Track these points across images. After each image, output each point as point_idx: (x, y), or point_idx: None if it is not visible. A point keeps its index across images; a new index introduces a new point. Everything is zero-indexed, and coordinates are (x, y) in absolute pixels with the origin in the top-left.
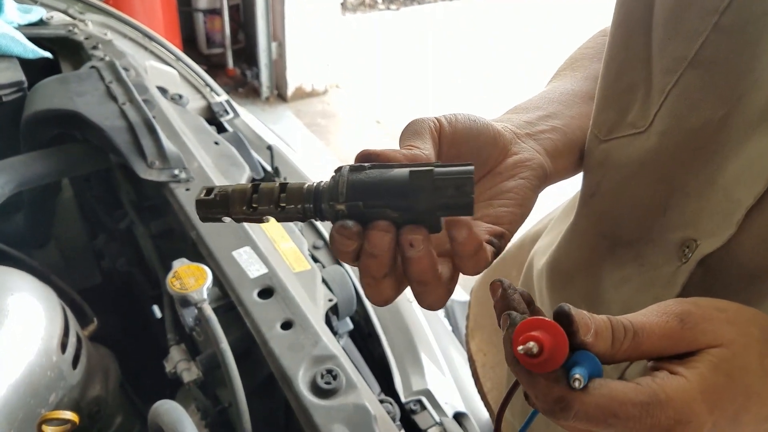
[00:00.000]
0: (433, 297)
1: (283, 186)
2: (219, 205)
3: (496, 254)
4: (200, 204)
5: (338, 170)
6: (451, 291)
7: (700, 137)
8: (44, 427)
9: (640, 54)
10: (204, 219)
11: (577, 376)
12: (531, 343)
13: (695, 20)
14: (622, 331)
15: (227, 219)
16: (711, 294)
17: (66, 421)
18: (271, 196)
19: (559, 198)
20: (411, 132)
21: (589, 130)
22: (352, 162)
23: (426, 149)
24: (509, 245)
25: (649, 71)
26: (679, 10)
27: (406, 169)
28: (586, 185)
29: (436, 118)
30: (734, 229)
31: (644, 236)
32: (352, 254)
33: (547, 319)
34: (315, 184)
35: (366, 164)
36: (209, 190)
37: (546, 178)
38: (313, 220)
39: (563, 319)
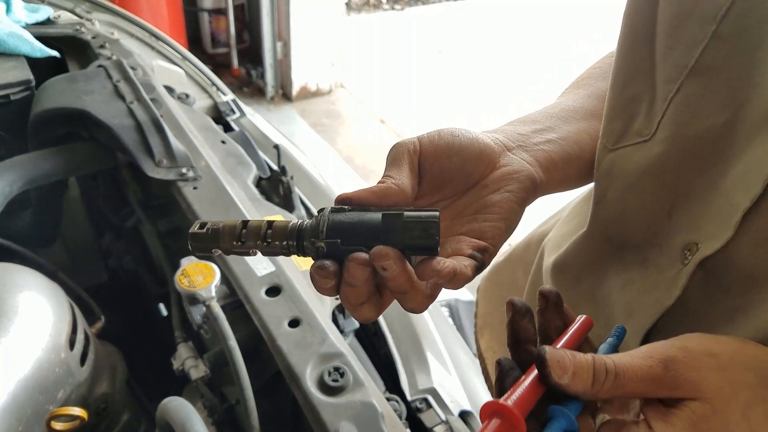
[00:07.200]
0: (413, 303)
1: (270, 223)
2: (210, 238)
3: (479, 268)
4: (193, 237)
5: (321, 211)
6: (433, 297)
7: (703, 143)
8: (53, 423)
9: (644, 64)
10: (196, 250)
11: None
12: None
13: (695, 29)
14: (603, 372)
15: (217, 252)
16: (709, 297)
17: (75, 417)
18: (258, 233)
19: (565, 198)
20: (390, 159)
21: (599, 140)
22: (349, 163)
23: (399, 178)
24: (516, 245)
25: (652, 81)
26: (679, 20)
27: (381, 212)
28: (594, 193)
29: (417, 138)
30: (732, 231)
31: (650, 241)
32: (332, 290)
33: (506, 405)
34: (299, 223)
35: (346, 207)
36: (202, 225)
37: (536, 189)
38: None
39: (538, 362)
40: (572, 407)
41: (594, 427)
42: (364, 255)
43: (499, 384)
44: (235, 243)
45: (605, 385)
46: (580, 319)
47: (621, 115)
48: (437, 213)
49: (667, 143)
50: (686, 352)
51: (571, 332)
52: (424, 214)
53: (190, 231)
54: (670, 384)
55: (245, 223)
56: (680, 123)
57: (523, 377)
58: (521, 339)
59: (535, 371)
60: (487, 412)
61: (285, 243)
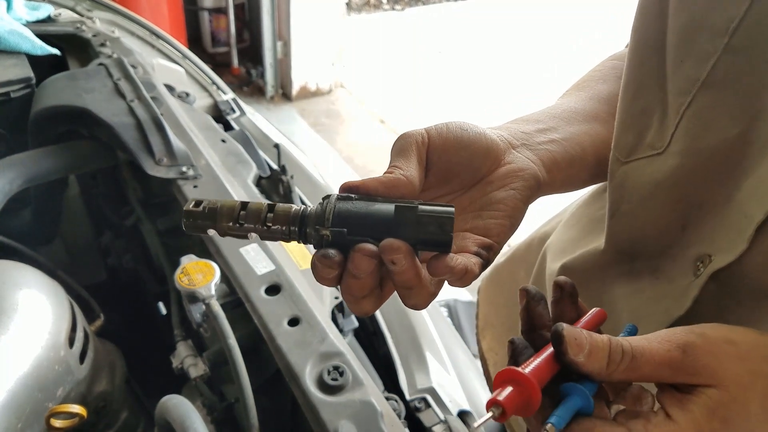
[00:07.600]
0: (417, 299)
1: (271, 206)
2: (206, 217)
3: (484, 265)
4: (188, 214)
5: (326, 198)
6: (435, 294)
7: (717, 156)
8: (52, 421)
9: (654, 76)
10: (189, 229)
11: (548, 428)
12: (493, 409)
13: (706, 42)
14: (620, 353)
15: (212, 231)
16: (722, 309)
17: (74, 415)
18: (258, 215)
19: (566, 199)
20: (397, 149)
21: (611, 152)
22: (349, 163)
23: (408, 169)
24: (517, 245)
25: (664, 93)
26: (690, 33)
27: (392, 204)
28: (608, 206)
29: (425, 129)
30: (746, 244)
31: (662, 252)
32: (334, 281)
33: (521, 372)
34: (302, 209)
35: (353, 195)
36: (198, 203)
37: (539, 188)
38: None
39: (554, 338)
40: (587, 388)
41: (609, 415)
42: (372, 246)
43: (512, 362)
44: (232, 224)
45: (620, 366)
46: (594, 310)
47: (633, 128)
48: (453, 209)
49: (681, 156)
50: (705, 338)
51: (584, 321)
52: (439, 209)
53: (185, 208)
54: (688, 369)
55: (245, 204)
56: (693, 136)
57: (537, 354)
58: (536, 325)
59: (550, 349)
60: (501, 379)
61: (286, 228)
